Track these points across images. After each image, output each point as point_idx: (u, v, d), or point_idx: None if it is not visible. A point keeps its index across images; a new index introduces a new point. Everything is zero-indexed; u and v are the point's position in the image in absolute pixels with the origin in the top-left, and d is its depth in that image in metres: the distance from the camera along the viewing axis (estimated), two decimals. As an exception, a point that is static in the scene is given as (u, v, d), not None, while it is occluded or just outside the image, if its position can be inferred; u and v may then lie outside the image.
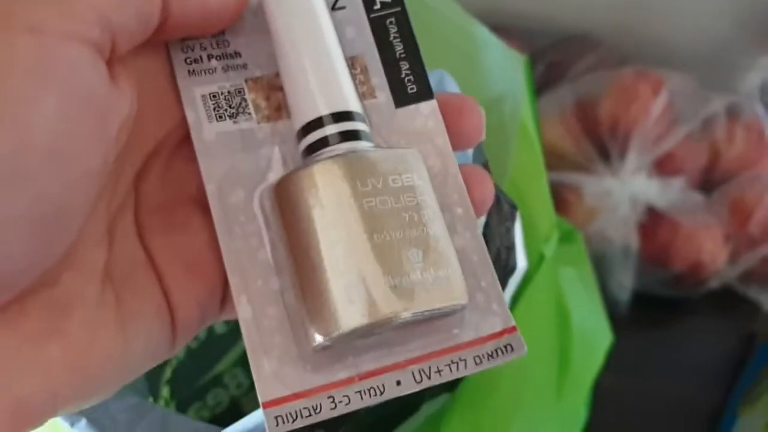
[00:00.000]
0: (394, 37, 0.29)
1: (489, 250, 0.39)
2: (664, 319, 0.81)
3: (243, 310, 0.26)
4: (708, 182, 0.81)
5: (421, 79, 0.29)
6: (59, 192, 0.21)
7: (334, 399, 0.25)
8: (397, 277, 0.25)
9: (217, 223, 0.27)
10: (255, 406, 0.56)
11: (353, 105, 0.27)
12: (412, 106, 0.29)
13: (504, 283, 0.41)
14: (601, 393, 0.56)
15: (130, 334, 0.24)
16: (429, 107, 0.29)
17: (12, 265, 0.21)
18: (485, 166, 0.41)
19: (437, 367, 0.26)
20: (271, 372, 0.25)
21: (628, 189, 0.78)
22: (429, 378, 0.26)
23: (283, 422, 0.25)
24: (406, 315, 0.25)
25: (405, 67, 0.29)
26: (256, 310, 0.26)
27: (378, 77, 0.29)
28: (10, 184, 0.20)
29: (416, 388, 0.26)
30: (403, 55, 0.29)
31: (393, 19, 0.29)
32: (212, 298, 0.27)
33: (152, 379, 0.54)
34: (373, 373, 0.26)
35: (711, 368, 0.78)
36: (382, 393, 0.26)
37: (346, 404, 0.26)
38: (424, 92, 0.29)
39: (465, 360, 0.27)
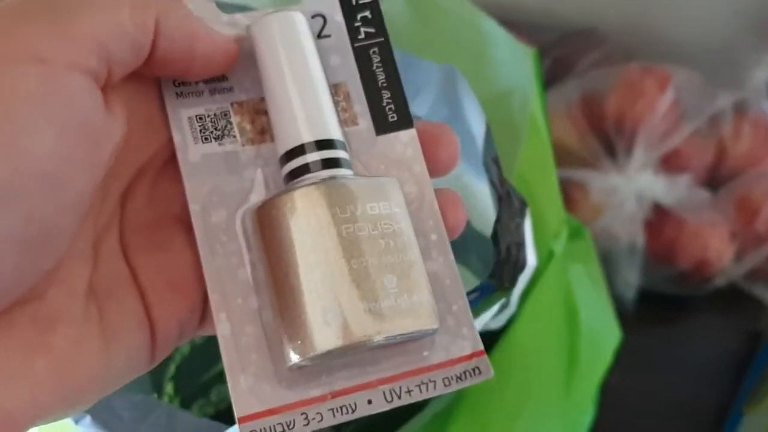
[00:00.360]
0: (377, 67, 0.30)
1: (499, 246, 0.39)
2: (669, 317, 0.81)
3: (222, 327, 0.27)
4: (714, 179, 0.81)
5: (402, 108, 0.30)
6: (51, 213, 0.22)
7: (307, 416, 0.27)
8: (372, 301, 0.26)
9: (200, 242, 0.27)
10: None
11: (335, 133, 0.28)
12: (392, 134, 0.30)
13: (514, 280, 0.41)
14: (606, 390, 0.56)
15: (112, 349, 0.25)
16: (408, 135, 0.30)
17: (1, 283, 0.22)
18: (495, 161, 0.41)
19: (407, 388, 0.27)
20: (248, 388, 0.26)
21: (634, 185, 0.77)
22: (399, 398, 0.27)
23: None
24: (379, 338, 0.26)
25: (386, 96, 0.30)
26: (235, 328, 0.27)
27: (360, 105, 0.30)
28: (6, 205, 0.21)
29: (387, 407, 0.27)
30: (385, 84, 0.30)
31: (376, 49, 0.30)
32: (192, 315, 0.28)
33: (156, 375, 0.54)
34: (346, 391, 0.27)
35: (716, 366, 0.78)
36: (353, 411, 0.27)
37: (319, 421, 0.27)
38: (404, 121, 0.30)
39: (434, 381, 0.28)
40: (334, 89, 0.30)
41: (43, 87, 0.22)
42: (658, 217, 0.78)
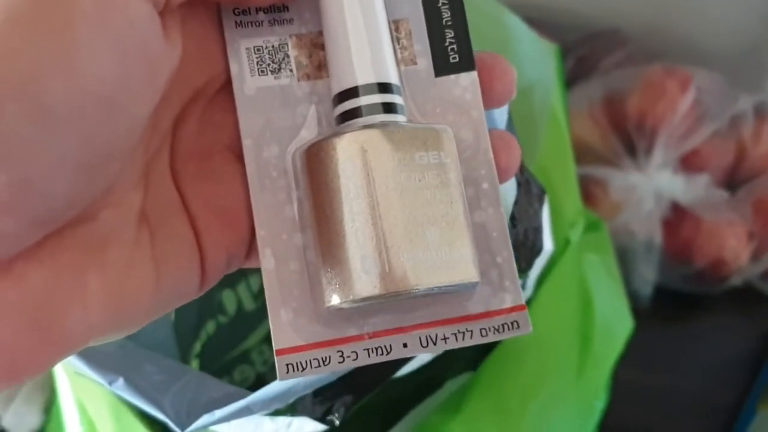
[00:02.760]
0: (443, 3, 0.29)
1: (517, 230, 0.40)
2: (685, 315, 0.81)
3: (266, 262, 0.27)
4: (733, 180, 0.82)
5: (465, 49, 0.29)
6: (106, 137, 0.22)
7: (342, 353, 0.27)
8: (413, 252, 0.25)
9: (250, 177, 0.27)
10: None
11: (390, 76, 0.27)
12: (452, 76, 0.29)
13: (530, 264, 0.42)
14: (621, 385, 0.57)
15: (162, 273, 0.25)
16: (469, 79, 0.28)
17: (52, 204, 0.22)
18: (515, 148, 0.42)
19: (444, 335, 0.27)
20: (287, 321, 0.27)
21: (653, 184, 0.78)
22: (435, 344, 0.27)
23: (294, 370, 0.26)
24: (417, 290, 0.25)
25: (449, 35, 0.29)
26: (279, 263, 0.27)
27: (421, 43, 0.29)
28: (61, 127, 0.21)
29: (421, 352, 0.27)
30: (449, 23, 0.29)
31: None
32: (240, 246, 0.28)
33: (183, 352, 0.55)
34: (383, 333, 0.27)
35: (730, 364, 0.78)
36: (388, 353, 0.27)
37: (354, 359, 0.27)
38: (466, 63, 0.29)
39: (471, 331, 0.27)
40: (395, 25, 0.29)
41: (100, 8, 0.21)
42: (676, 216, 0.79)
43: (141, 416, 0.41)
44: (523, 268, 0.41)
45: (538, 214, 0.43)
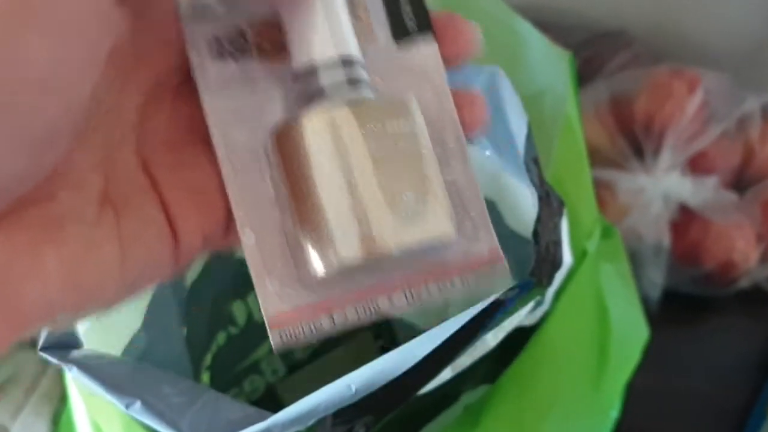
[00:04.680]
0: None
1: (539, 245, 0.40)
2: (694, 318, 0.81)
3: (246, 238, 0.28)
4: (741, 181, 0.81)
5: (421, 14, 0.30)
6: (44, 120, 0.22)
7: (332, 315, 0.28)
8: (391, 215, 0.27)
9: (221, 160, 0.28)
10: (290, 393, 0.57)
11: (353, 51, 0.28)
12: (413, 46, 0.30)
13: (551, 278, 0.42)
14: (629, 389, 0.56)
15: (129, 252, 0.26)
16: (429, 47, 0.30)
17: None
18: (535, 161, 0.41)
19: (427, 288, 0.29)
20: (274, 291, 0.28)
21: (661, 186, 0.78)
22: (420, 297, 0.29)
23: (288, 337, 0.27)
24: (398, 250, 0.27)
25: (404, 2, 0.30)
26: (259, 238, 0.28)
27: (378, 15, 0.30)
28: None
29: (407, 308, 0.29)
30: None
31: None
32: (216, 228, 0.28)
33: (195, 364, 0.55)
34: (368, 292, 0.28)
35: (740, 367, 0.78)
36: (376, 310, 0.28)
37: (344, 321, 0.28)
38: (424, 26, 0.30)
39: (452, 281, 0.29)
40: (351, 1, 0.29)
41: None
42: (684, 218, 0.78)
43: (156, 437, 0.40)
44: (545, 284, 0.41)
45: (557, 228, 0.42)
